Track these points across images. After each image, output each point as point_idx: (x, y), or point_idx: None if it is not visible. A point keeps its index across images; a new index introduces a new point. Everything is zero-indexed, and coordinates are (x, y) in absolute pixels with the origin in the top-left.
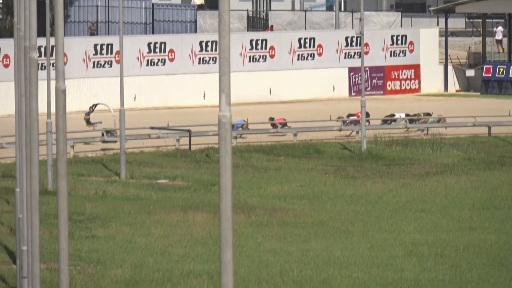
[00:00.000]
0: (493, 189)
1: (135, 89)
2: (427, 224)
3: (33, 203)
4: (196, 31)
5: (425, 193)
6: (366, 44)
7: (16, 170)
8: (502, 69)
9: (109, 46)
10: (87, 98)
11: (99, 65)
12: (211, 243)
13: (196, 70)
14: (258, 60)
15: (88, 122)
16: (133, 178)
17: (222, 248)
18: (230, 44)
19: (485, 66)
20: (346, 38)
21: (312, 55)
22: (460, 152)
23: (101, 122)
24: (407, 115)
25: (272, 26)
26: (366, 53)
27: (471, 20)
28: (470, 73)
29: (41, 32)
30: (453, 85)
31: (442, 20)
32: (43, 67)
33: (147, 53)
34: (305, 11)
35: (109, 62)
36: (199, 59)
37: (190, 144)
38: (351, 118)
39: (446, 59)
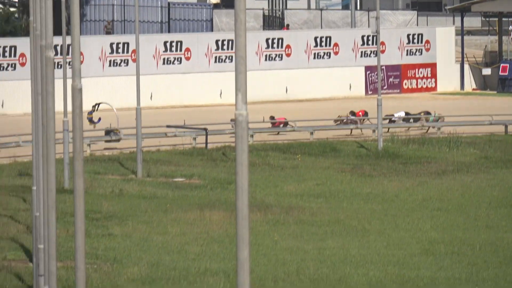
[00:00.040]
0: (510, 187)
1: (152, 87)
2: (444, 223)
3: (50, 201)
4: (212, 30)
5: (442, 191)
6: (382, 43)
7: (32, 169)
8: None
9: (125, 45)
10: (104, 96)
11: (115, 64)
12: (227, 241)
13: (212, 68)
14: (274, 59)
15: (90, 121)
16: (149, 177)
17: (238, 246)
18: (246, 42)
19: (501, 65)
20: (362, 36)
21: (328, 54)
22: (476, 150)
23: (100, 120)
24: (406, 113)
25: (288, 25)
26: (382, 51)
27: (487, 19)
28: (487, 71)
29: (57, 31)
30: (470, 83)
31: (458, 19)
32: (59, 66)
33: (163, 51)
34: (321, 9)
35: (126, 61)
36: (215, 57)
37: (206, 143)
38: (351, 117)
39: (463, 57)
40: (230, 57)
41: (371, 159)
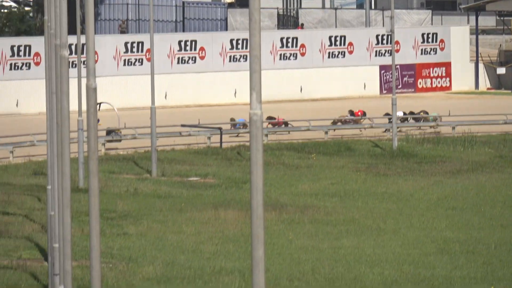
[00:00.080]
0: None
1: (166, 87)
2: (459, 222)
3: (65, 200)
4: (226, 29)
5: (457, 190)
6: (397, 42)
7: (47, 168)
8: None
9: (140, 44)
10: (118, 96)
11: (130, 63)
12: (242, 240)
13: (226, 68)
14: (289, 58)
15: None
16: (164, 176)
17: (253, 245)
18: (261, 42)
19: None
20: (377, 36)
21: (343, 53)
22: (491, 149)
23: (98, 120)
24: (404, 113)
25: (302, 24)
26: (397, 51)
27: (502, 18)
28: (501, 71)
29: (71, 30)
30: (484, 83)
31: (472, 18)
32: (74, 65)
33: (178, 51)
34: (336, 9)
35: (140, 60)
36: (230, 57)
37: (221, 142)
38: (350, 117)
39: (477, 57)
40: (245, 57)
41: (386, 158)
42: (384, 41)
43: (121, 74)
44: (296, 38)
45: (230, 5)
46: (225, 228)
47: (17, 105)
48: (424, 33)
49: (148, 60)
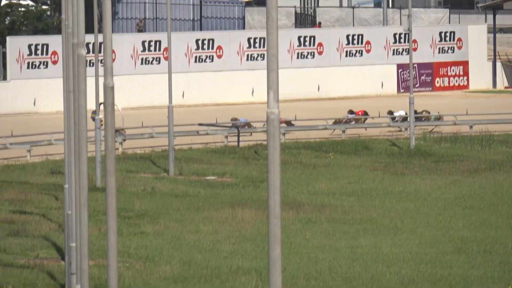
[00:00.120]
0: None
1: (184, 85)
2: (476, 221)
3: (82, 199)
4: (244, 28)
5: (474, 189)
6: (414, 41)
7: (64, 167)
8: None
9: (157, 43)
10: (136, 94)
11: (147, 62)
12: (259, 239)
13: (244, 66)
14: (306, 57)
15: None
16: (181, 175)
17: (270, 244)
18: (278, 40)
19: None
20: (394, 34)
21: (360, 52)
22: (509, 148)
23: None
24: (406, 113)
25: (320, 23)
26: (415, 49)
27: None
28: None
29: (89, 29)
30: (502, 81)
31: (490, 17)
32: (91, 64)
33: (195, 49)
34: (353, 7)
35: (157, 59)
36: (247, 55)
37: (238, 141)
38: (350, 116)
39: (495, 55)
40: (262, 55)
41: (403, 157)
42: (402, 40)
43: (138, 73)
44: (314, 37)
45: (248, 3)
46: (242, 227)
47: (34, 104)
48: (442, 32)
49: (166, 59)
